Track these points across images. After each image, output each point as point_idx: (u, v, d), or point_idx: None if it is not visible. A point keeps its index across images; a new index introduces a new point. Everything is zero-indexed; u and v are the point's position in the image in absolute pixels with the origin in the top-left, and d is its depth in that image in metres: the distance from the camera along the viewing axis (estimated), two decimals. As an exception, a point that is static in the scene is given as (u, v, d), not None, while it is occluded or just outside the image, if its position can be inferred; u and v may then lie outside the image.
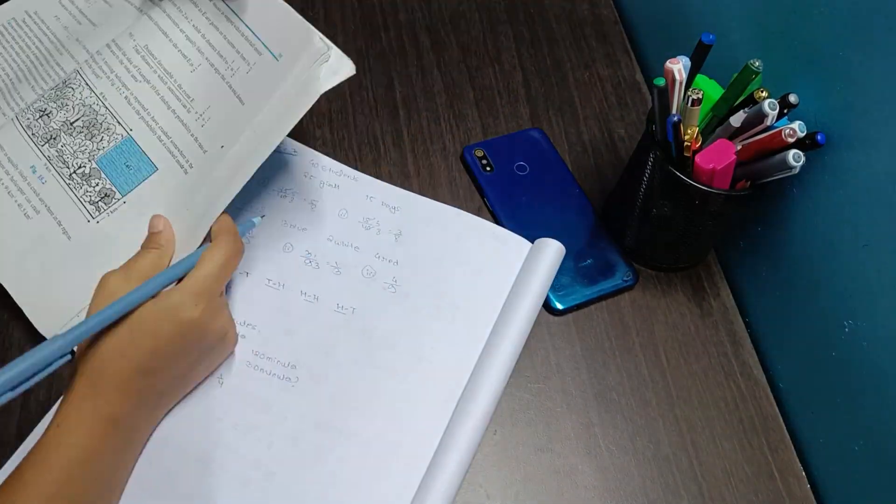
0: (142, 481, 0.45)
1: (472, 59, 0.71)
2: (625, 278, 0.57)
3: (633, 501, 0.49)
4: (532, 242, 0.56)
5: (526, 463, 0.50)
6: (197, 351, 0.45)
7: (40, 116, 0.53)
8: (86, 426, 0.41)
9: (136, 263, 0.44)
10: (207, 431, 0.47)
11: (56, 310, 0.50)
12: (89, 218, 0.51)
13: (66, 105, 0.53)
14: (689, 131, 0.49)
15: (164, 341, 0.42)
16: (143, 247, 0.47)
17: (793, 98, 0.46)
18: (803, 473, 0.52)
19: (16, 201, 0.52)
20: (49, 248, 0.51)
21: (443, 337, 0.52)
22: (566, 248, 0.55)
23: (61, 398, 0.42)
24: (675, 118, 0.48)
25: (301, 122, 0.48)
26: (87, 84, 0.54)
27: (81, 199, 0.52)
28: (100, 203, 0.52)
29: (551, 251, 0.55)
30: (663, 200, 0.53)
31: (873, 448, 0.48)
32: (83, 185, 0.52)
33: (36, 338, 0.50)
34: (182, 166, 0.52)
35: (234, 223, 0.47)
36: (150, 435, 0.46)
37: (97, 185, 0.52)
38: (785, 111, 0.47)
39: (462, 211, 0.58)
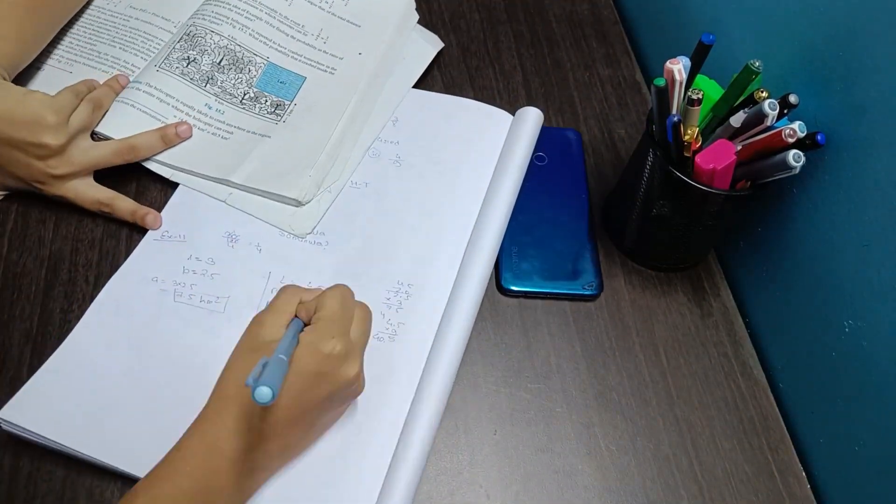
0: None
1: (472, 59, 0.71)
2: (585, 287, 0.57)
3: (633, 501, 0.49)
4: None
5: (526, 463, 0.50)
6: (328, 396, 0.43)
7: (188, 64, 0.61)
8: (204, 456, 0.40)
9: (279, 301, 0.46)
10: (253, 288, 0.54)
11: (290, 176, 0.58)
12: (276, 121, 0.61)
13: (206, 51, 0.62)
14: (689, 131, 0.49)
15: (306, 379, 0.41)
16: (283, 290, 0.47)
17: (793, 98, 0.46)
18: (803, 473, 0.52)
19: (209, 133, 0.60)
20: (259, 148, 0.59)
21: (446, 195, 0.60)
22: (548, 241, 0.58)
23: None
24: (675, 118, 0.48)
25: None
26: (212, 31, 0.63)
27: (260, 114, 0.61)
28: (276, 111, 0.62)
29: (531, 118, 0.63)
30: (663, 200, 0.53)
31: (873, 448, 0.48)
32: (255, 104, 0.61)
33: (34, 337, 0.50)
34: (325, 71, 0.64)
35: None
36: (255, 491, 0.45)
37: (266, 101, 0.62)
38: (785, 111, 0.47)
39: (446, 95, 0.66)
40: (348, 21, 0.67)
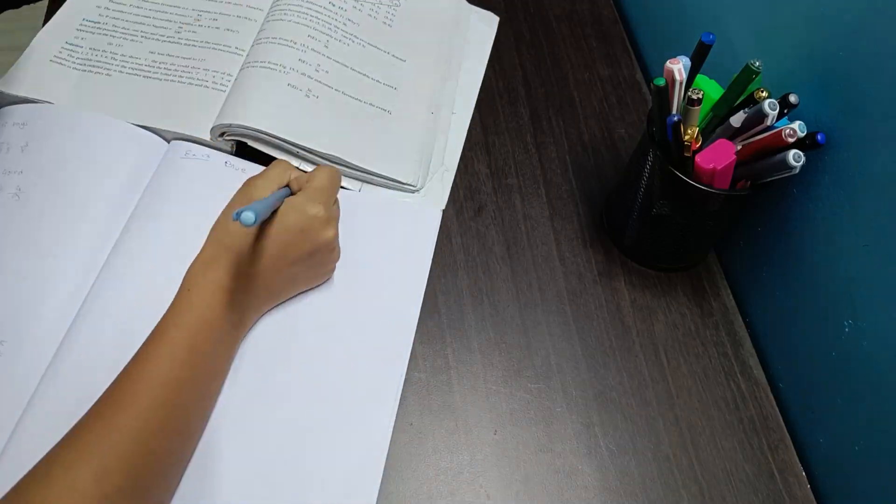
0: None
1: (472, 59, 0.71)
2: None
3: (633, 501, 0.49)
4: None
5: (526, 463, 0.50)
6: (309, 253, 0.49)
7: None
8: (210, 291, 0.45)
9: (272, 171, 0.50)
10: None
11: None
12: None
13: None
14: (689, 131, 0.49)
15: (292, 234, 0.47)
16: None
17: (793, 98, 0.46)
18: (803, 473, 0.52)
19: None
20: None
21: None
22: None
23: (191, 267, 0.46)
24: (675, 118, 0.48)
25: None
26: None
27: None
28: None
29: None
30: (663, 200, 0.53)
31: (873, 448, 0.48)
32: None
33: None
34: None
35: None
36: (245, 335, 0.50)
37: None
38: (785, 111, 0.47)
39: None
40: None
